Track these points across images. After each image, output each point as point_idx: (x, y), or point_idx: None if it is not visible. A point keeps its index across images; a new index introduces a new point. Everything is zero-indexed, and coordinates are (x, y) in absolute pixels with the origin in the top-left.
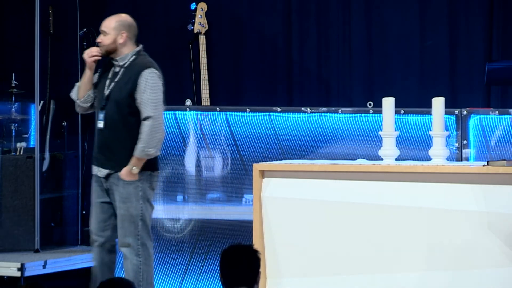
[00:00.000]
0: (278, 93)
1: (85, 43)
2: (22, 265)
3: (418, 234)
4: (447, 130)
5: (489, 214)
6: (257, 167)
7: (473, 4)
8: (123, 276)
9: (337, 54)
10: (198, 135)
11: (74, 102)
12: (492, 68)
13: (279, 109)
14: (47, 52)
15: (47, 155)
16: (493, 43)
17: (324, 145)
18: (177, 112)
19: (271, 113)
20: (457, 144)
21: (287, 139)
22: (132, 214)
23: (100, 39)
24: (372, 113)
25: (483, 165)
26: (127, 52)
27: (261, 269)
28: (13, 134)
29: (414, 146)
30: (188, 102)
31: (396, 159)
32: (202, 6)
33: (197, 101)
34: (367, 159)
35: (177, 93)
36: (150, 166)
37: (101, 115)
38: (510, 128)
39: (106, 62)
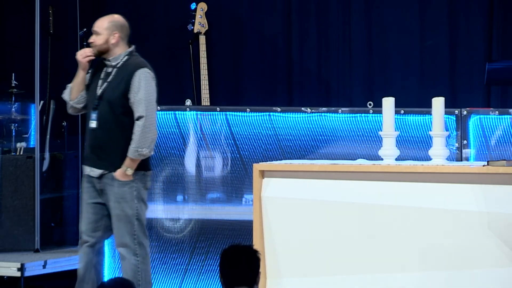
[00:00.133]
0: (278, 93)
1: (85, 43)
2: (22, 265)
3: (418, 234)
4: (447, 130)
5: (489, 214)
6: (257, 167)
7: (473, 4)
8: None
9: (337, 54)
10: (198, 135)
11: None
12: (492, 68)
13: (279, 109)
14: (47, 52)
15: (47, 155)
16: (493, 43)
17: (324, 145)
18: (177, 112)
19: (271, 113)
20: (457, 144)
21: (287, 139)
22: (127, 214)
23: (93, 39)
24: (372, 113)
25: (483, 165)
26: (120, 53)
27: (261, 269)
28: (13, 134)
29: (414, 146)
30: (188, 102)
31: (396, 159)
32: (202, 6)
33: (197, 101)
34: (367, 159)
35: (177, 93)
36: (144, 166)
37: (94, 115)
38: (510, 128)
39: (97, 62)
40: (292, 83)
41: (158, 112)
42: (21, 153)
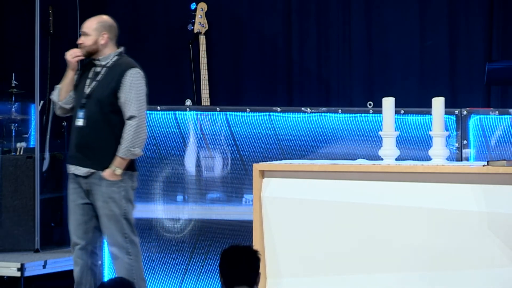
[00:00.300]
0: (278, 93)
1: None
2: (22, 265)
3: (418, 234)
4: (447, 130)
5: (489, 214)
6: (257, 167)
7: (473, 4)
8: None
9: (337, 54)
10: (198, 135)
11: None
12: (492, 68)
13: (279, 109)
14: (47, 52)
15: (47, 155)
16: (493, 43)
17: (324, 145)
18: (177, 112)
19: (271, 113)
20: (457, 144)
21: (287, 139)
22: (116, 213)
23: (81, 40)
24: (372, 113)
25: (483, 165)
26: (109, 53)
27: (261, 269)
28: (13, 134)
29: (414, 146)
30: (188, 102)
31: (396, 159)
32: (202, 6)
33: (197, 101)
34: (367, 159)
35: (177, 93)
36: (131, 166)
37: (81, 113)
38: (510, 128)
39: (85, 63)
40: (292, 83)
41: (158, 112)
42: (21, 153)
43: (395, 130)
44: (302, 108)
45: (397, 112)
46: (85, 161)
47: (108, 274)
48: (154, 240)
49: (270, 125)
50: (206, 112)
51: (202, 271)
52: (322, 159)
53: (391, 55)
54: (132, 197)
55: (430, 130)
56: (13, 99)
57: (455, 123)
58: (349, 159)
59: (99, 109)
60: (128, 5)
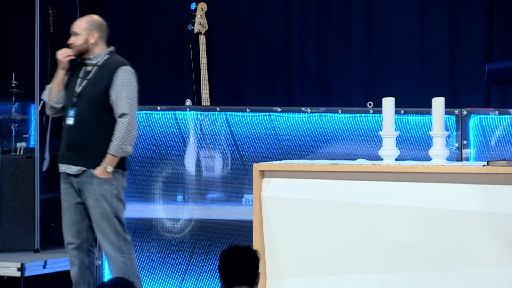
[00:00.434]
0: (278, 93)
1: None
2: (22, 265)
3: (418, 234)
4: (447, 130)
5: (489, 214)
6: (257, 167)
7: (473, 4)
8: (110, 275)
9: (337, 54)
10: (198, 135)
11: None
12: (492, 68)
13: (279, 109)
14: (47, 52)
15: (47, 155)
16: (493, 43)
17: (324, 145)
18: (177, 112)
19: (271, 113)
20: (457, 144)
21: (287, 139)
22: (107, 211)
23: (72, 40)
24: (372, 113)
25: (483, 165)
26: (100, 52)
27: (261, 269)
28: (13, 134)
29: (414, 146)
30: (188, 102)
31: (396, 159)
32: (202, 6)
33: (197, 101)
34: (367, 159)
35: (177, 93)
36: (122, 165)
37: (72, 112)
38: (510, 128)
39: (75, 63)
40: (292, 83)
41: (158, 112)
42: (21, 153)
43: (395, 130)
44: (302, 108)
45: (397, 112)
46: (77, 159)
47: (107, 274)
48: (154, 240)
49: (270, 125)
50: (206, 112)
51: (202, 271)
52: (322, 159)
53: (391, 55)
54: (123, 197)
55: (430, 130)
56: (13, 99)
57: (455, 123)
58: (349, 159)
59: (90, 107)
60: (128, 5)
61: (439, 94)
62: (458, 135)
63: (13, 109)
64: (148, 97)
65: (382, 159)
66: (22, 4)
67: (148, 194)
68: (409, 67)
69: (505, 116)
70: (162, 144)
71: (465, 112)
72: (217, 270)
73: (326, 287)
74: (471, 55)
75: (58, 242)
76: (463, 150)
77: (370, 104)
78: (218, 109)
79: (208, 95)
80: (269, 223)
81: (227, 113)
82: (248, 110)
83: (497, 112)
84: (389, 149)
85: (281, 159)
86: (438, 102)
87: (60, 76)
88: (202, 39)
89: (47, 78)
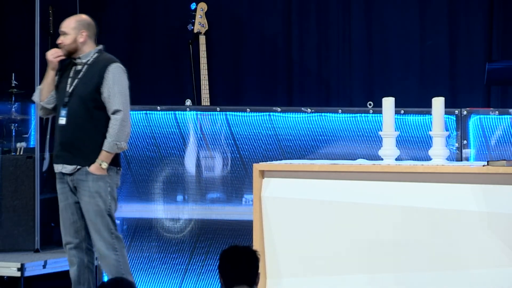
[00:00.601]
0: (278, 93)
1: None
2: (22, 265)
3: (418, 234)
4: (447, 130)
5: (489, 214)
6: (257, 167)
7: (473, 4)
8: (103, 274)
9: (337, 54)
10: (198, 135)
11: None
12: (492, 68)
13: (279, 109)
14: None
15: (47, 155)
16: (493, 43)
17: (324, 145)
18: (177, 112)
19: (271, 113)
20: (457, 144)
21: (287, 139)
22: (101, 209)
23: (61, 40)
24: (372, 113)
25: (483, 165)
26: (89, 50)
27: (261, 269)
28: (13, 134)
29: (414, 146)
30: (188, 102)
31: (396, 159)
32: (202, 6)
33: (197, 101)
34: (367, 159)
35: (177, 93)
36: (116, 162)
37: (64, 112)
38: (510, 128)
39: (65, 63)
40: (292, 83)
41: (158, 112)
42: (21, 153)
43: (395, 130)
44: (302, 108)
45: (397, 112)
46: (71, 158)
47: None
48: (154, 240)
49: (270, 125)
50: (206, 112)
51: (202, 271)
52: (322, 159)
53: (391, 55)
54: (116, 195)
55: (430, 130)
56: (13, 99)
57: (455, 123)
58: (349, 159)
59: (82, 106)
60: (128, 5)
61: (439, 94)
62: (458, 135)
63: (13, 109)
64: (148, 97)
65: (382, 159)
66: (22, 4)
67: (148, 194)
68: (409, 67)
69: (505, 116)
70: (162, 144)
71: (465, 112)
72: (217, 270)
73: (326, 287)
74: (471, 55)
75: (58, 242)
76: (463, 150)
77: (370, 104)
78: (218, 109)
79: (208, 95)
80: (269, 223)
81: (227, 113)
82: (248, 110)
83: (497, 112)
84: (389, 149)
85: (281, 159)
86: (438, 102)
87: (50, 76)
88: (202, 39)
89: None
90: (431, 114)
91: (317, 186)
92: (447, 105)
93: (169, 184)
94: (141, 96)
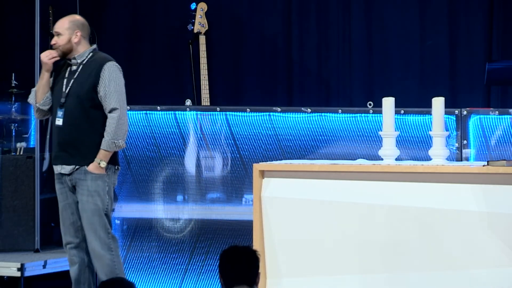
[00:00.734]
0: (278, 93)
1: None
2: (22, 265)
3: (418, 234)
4: (447, 130)
5: (489, 214)
6: (257, 167)
7: (473, 4)
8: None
9: (337, 54)
10: (198, 135)
11: None
12: (492, 68)
13: (279, 109)
14: None
15: (47, 155)
16: (493, 43)
17: (324, 145)
18: (177, 112)
19: (271, 113)
20: (457, 144)
21: (287, 139)
22: (100, 208)
23: (55, 41)
24: (372, 113)
25: (483, 165)
26: (84, 50)
27: (261, 269)
28: (13, 134)
29: (414, 146)
30: (188, 102)
31: (396, 159)
32: (202, 6)
33: (197, 101)
34: (367, 159)
35: (177, 93)
36: (115, 160)
37: (60, 113)
38: (510, 128)
39: (59, 65)
40: (292, 83)
41: (158, 112)
42: (21, 153)
43: (395, 130)
44: (302, 108)
45: (397, 112)
46: (69, 158)
47: None
48: (154, 240)
49: (270, 125)
50: (206, 112)
51: (202, 271)
52: (322, 159)
53: (391, 55)
54: (113, 195)
55: (430, 130)
56: (13, 99)
57: (455, 123)
58: (349, 159)
59: (78, 106)
60: (128, 5)
61: (439, 94)
62: (458, 135)
63: (13, 109)
64: (148, 97)
65: (382, 159)
66: (22, 4)
67: (148, 194)
68: (409, 67)
69: (505, 116)
70: (162, 144)
71: (465, 112)
72: (217, 270)
73: (326, 287)
74: (471, 55)
75: (58, 242)
76: (463, 150)
77: (370, 104)
78: (218, 109)
79: (208, 95)
80: (269, 223)
81: (227, 113)
82: (248, 110)
83: (497, 112)
84: (389, 149)
85: (281, 159)
86: (438, 102)
87: (45, 78)
88: (202, 39)
89: None
90: (431, 114)
91: (317, 186)
92: (447, 105)
93: (169, 184)
94: (141, 96)
